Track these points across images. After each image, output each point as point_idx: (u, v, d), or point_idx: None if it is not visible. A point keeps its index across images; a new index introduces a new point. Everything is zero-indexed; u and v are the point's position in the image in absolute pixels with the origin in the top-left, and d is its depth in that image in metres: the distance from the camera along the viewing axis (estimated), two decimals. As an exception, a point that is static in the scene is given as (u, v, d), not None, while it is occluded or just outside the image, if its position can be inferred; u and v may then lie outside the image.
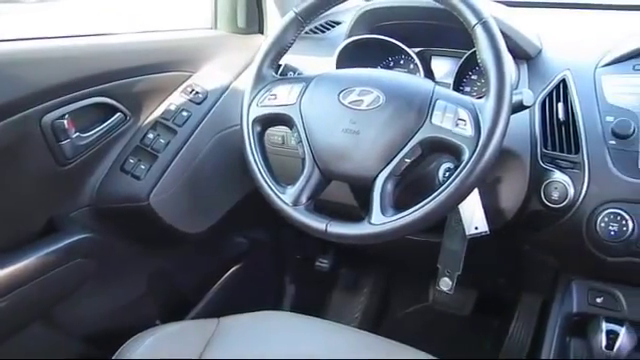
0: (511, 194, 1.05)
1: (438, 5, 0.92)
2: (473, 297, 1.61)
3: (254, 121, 1.00)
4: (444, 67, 1.21)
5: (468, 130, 0.86)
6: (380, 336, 1.02)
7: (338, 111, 0.93)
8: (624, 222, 0.94)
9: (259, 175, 0.98)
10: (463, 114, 0.87)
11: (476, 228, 1.02)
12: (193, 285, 1.50)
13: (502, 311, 1.56)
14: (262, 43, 1.03)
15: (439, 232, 1.07)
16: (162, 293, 1.42)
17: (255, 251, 1.61)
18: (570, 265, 1.10)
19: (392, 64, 1.27)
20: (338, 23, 1.39)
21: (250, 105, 1.00)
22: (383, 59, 1.27)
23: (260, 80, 1.01)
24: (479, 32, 0.87)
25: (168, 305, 1.43)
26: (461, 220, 1.03)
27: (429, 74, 1.21)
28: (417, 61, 1.19)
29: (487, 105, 0.85)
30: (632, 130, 0.94)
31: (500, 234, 1.06)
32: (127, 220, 1.20)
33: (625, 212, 0.94)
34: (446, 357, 0.99)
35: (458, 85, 1.17)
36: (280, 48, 1.02)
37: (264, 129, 1.01)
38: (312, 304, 1.73)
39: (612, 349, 0.93)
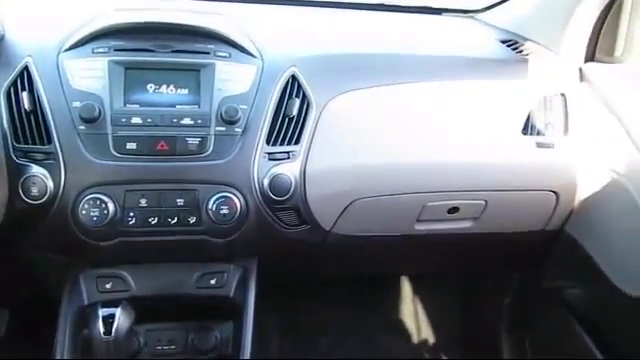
0: (-8, 197, 0.94)
1: None
2: (5, 316, 1.44)
3: None
4: None
5: None
6: None
7: None
8: (104, 205, 0.93)
9: None
10: None
11: None
12: None
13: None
14: None
15: None
16: None
17: None
18: (74, 260, 1.06)
19: None
20: None
21: None
22: None
23: None
24: None
25: None
26: None
27: None
28: None
29: None
30: (98, 113, 0.94)
31: None
32: None
33: (104, 195, 0.94)
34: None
35: None
36: None
37: None
38: None
39: (110, 334, 0.93)
